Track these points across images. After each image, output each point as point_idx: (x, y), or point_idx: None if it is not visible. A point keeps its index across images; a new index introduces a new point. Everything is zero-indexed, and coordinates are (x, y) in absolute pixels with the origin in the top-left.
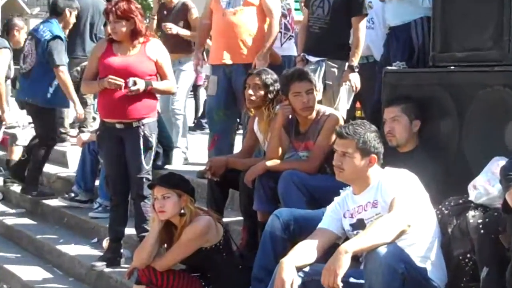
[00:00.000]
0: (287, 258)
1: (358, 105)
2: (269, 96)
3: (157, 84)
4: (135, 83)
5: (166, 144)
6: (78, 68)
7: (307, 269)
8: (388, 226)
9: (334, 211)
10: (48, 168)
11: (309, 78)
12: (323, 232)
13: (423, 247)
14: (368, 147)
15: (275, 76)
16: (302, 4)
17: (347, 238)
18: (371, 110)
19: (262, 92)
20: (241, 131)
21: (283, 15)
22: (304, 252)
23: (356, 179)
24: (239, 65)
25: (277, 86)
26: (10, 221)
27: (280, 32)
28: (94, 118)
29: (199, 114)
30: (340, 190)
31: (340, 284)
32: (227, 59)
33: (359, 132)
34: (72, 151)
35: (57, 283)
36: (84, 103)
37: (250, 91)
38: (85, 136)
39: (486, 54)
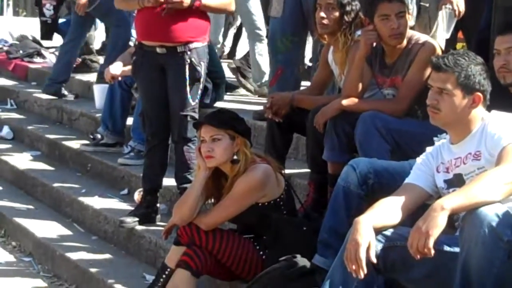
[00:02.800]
0: (363, 217)
1: (460, 35)
2: (346, 18)
3: (208, 0)
4: None
5: (217, 76)
6: None
7: (388, 232)
8: (496, 180)
9: (425, 163)
10: (70, 103)
11: None
12: (411, 189)
13: None
14: (472, 83)
15: None
16: None
17: (439, 198)
18: (477, 40)
19: (337, 14)
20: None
21: None
22: (386, 210)
23: (454, 123)
24: None
25: (356, 5)
26: (22, 165)
27: None
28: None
29: None
30: (434, 138)
31: (433, 250)
32: None
33: (461, 64)
34: (99, 84)
35: (78, 241)
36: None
37: (322, 13)
38: (116, 68)
39: None
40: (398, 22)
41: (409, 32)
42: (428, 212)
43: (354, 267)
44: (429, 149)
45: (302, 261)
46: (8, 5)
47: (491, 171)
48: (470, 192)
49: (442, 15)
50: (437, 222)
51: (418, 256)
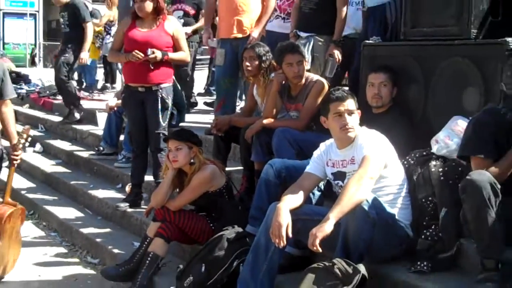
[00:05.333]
0: (283, 204)
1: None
2: (263, 65)
3: (172, 55)
4: (153, 52)
5: (180, 106)
6: None
7: (296, 210)
8: (356, 185)
9: (319, 157)
10: (81, 126)
11: (299, 50)
12: (309, 176)
13: (393, 195)
14: (356, 105)
15: (266, 48)
16: None
17: (328, 182)
18: (351, 78)
19: (256, 63)
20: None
21: None
22: (295, 196)
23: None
24: (245, 39)
25: (269, 56)
26: (49, 170)
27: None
28: None
29: (208, 82)
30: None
31: (319, 247)
32: (236, 33)
33: (350, 92)
34: (101, 112)
35: (88, 221)
36: None
37: (247, 63)
38: (112, 102)
39: (449, 29)
40: (298, 67)
41: (306, 74)
42: (321, 222)
43: (277, 240)
44: (322, 146)
45: (238, 229)
46: (40, 60)
47: (352, 179)
48: (343, 201)
49: (328, 62)
50: (323, 229)
51: (314, 248)
